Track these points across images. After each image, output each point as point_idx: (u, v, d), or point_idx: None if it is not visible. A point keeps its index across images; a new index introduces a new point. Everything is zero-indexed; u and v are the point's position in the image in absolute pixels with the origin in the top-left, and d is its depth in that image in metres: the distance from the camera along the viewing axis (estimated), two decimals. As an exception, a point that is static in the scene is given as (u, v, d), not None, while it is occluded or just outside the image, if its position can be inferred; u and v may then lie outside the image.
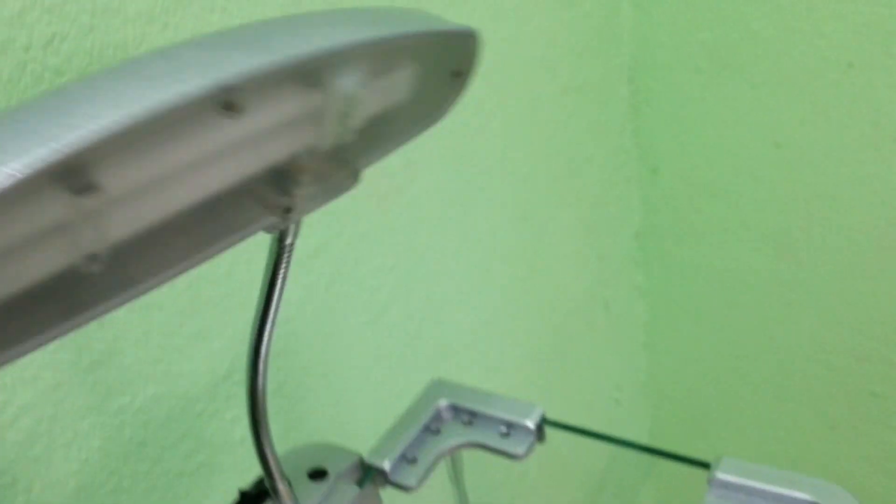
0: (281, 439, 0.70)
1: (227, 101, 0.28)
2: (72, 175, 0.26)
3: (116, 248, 0.30)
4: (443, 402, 0.53)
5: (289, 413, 0.71)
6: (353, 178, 0.39)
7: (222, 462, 0.64)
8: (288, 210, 0.36)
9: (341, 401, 0.76)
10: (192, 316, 0.59)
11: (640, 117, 1.15)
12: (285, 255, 0.42)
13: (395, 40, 0.34)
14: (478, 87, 0.83)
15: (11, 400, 0.48)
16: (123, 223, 0.30)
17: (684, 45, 1.07)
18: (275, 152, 0.35)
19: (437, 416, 0.52)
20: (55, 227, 0.26)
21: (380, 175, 0.73)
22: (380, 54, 0.37)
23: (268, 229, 0.36)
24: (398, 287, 0.79)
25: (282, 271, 0.44)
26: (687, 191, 1.18)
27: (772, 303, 1.20)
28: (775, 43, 1.01)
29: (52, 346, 0.50)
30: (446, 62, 0.41)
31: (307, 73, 0.34)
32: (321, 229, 0.69)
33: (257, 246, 0.62)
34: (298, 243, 0.67)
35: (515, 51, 0.88)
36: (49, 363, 0.50)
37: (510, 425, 0.50)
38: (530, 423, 0.50)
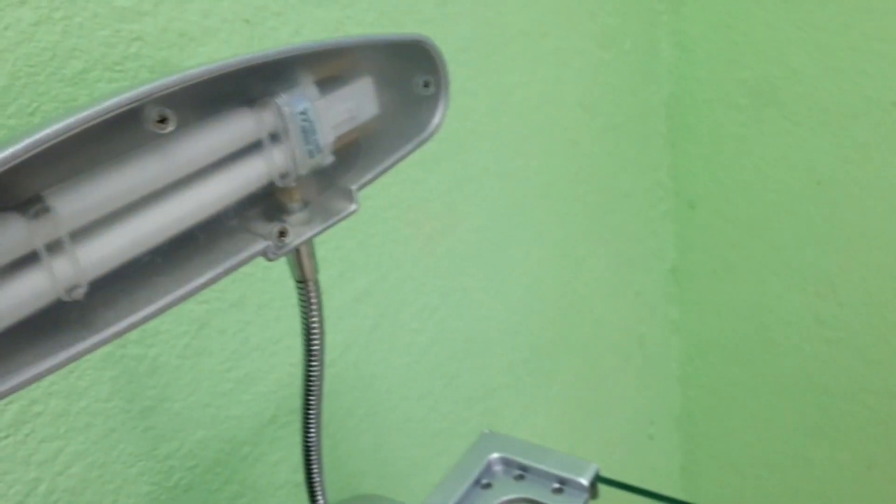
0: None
1: (158, 115, 0.30)
2: (25, 201, 0.28)
3: (107, 280, 0.31)
4: (494, 455, 0.52)
5: (332, 453, 0.71)
6: (347, 199, 0.39)
7: (265, 505, 0.64)
8: (282, 234, 0.36)
9: (383, 441, 0.76)
10: (239, 361, 0.59)
11: (677, 153, 1.15)
12: (311, 295, 0.43)
13: (313, 49, 0.35)
14: (518, 130, 0.84)
15: (65, 448, 0.49)
16: (98, 253, 0.31)
17: (724, 83, 1.07)
18: (247, 178, 0.36)
19: (488, 470, 0.52)
20: (24, 256, 0.28)
21: (424, 217, 0.74)
22: (325, 68, 0.38)
23: (266, 256, 0.36)
24: (440, 328, 0.79)
25: (314, 317, 0.44)
26: (724, 227, 1.17)
27: (809, 341, 1.19)
28: (817, 81, 1.00)
29: (104, 394, 0.51)
30: (412, 73, 0.41)
31: (253, 93, 0.35)
32: (366, 273, 0.69)
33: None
34: (343, 287, 0.67)
35: (556, 92, 0.88)
36: (101, 410, 0.51)
37: (563, 481, 0.50)
38: (584, 480, 0.49)
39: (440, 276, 0.78)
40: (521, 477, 0.52)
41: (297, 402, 0.64)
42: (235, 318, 0.58)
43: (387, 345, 0.74)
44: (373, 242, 0.69)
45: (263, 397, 0.62)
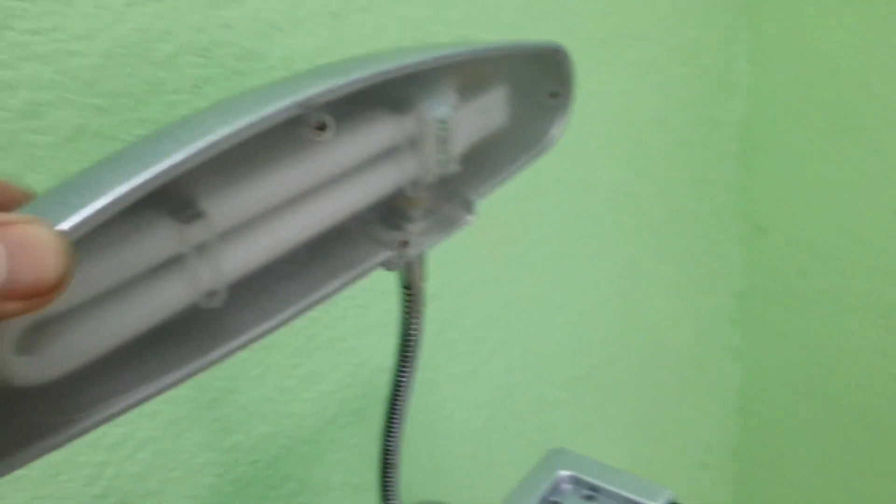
0: (377, 485, 0.70)
1: (317, 122, 0.28)
2: (177, 203, 0.27)
3: (235, 287, 0.30)
4: (563, 473, 0.51)
5: (387, 459, 0.70)
6: (466, 210, 0.39)
7: (322, 505, 0.64)
8: (404, 244, 0.35)
9: (438, 449, 0.75)
10: (305, 358, 0.59)
11: (749, 174, 1.12)
12: (416, 302, 0.42)
13: (467, 55, 0.34)
14: (591, 141, 0.82)
15: (133, 433, 0.49)
16: (237, 258, 0.30)
17: (802, 104, 1.04)
18: (380, 185, 0.35)
19: (556, 488, 0.50)
20: (171, 259, 0.27)
21: (493, 224, 0.73)
22: (465, 75, 0.37)
23: (387, 266, 0.36)
24: (502, 338, 0.78)
25: (415, 324, 0.43)
26: (794, 253, 1.14)
27: (875, 376, 1.15)
28: (901, 108, 0.97)
29: (173, 382, 0.50)
30: (540, 83, 0.40)
31: (396, 98, 0.34)
32: (434, 277, 0.68)
33: (373, 292, 0.62)
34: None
35: (630, 105, 0.86)
36: (170, 398, 0.50)
37: (635, 505, 0.48)
38: (657, 506, 0.47)
39: (505, 285, 0.77)
40: (590, 497, 0.50)
41: (358, 404, 0.64)
42: (307, 312, 0.58)
43: (449, 351, 0.73)
44: (440, 247, 0.68)
45: (326, 396, 0.61)
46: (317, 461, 0.62)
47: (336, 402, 0.62)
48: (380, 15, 0.56)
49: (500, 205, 0.73)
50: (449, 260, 0.69)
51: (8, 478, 0.43)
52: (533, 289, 0.81)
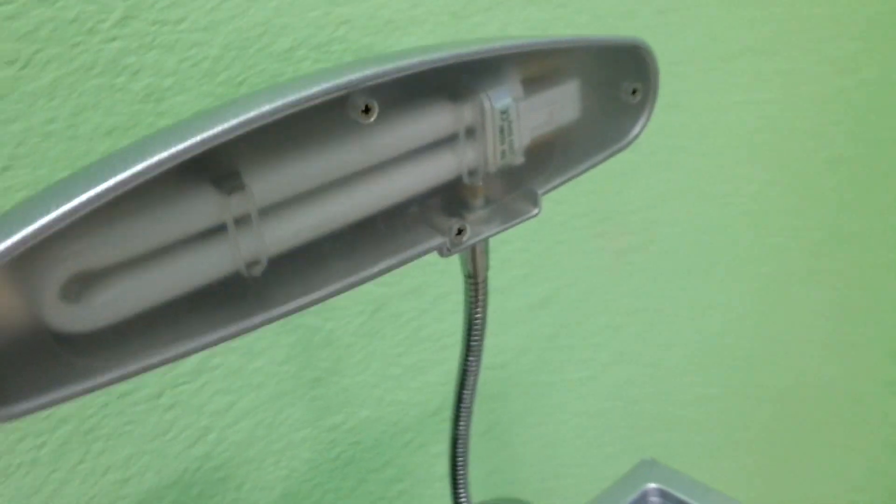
0: (482, 482, 0.70)
1: (362, 105, 0.29)
2: (222, 175, 0.29)
3: (284, 259, 0.31)
4: (651, 486, 0.49)
5: (494, 456, 0.71)
6: (531, 202, 0.38)
7: (422, 494, 0.65)
8: (459, 231, 0.35)
9: (548, 453, 0.75)
10: (411, 348, 0.60)
11: (918, 198, 1.04)
12: (479, 291, 0.42)
13: (526, 48, 0.34)
14: (730, 152, 0.79)
15: (236, 403, 0.52)
16: (281, 232, 0.31)
17: (982, 125, 0.96)
18: (435, 172, 0.35)
19: (643, 500, 0.49)
20: (213, 227, 0.29)
21: (617, 231, 0.71)
22: (533, 67, 0.36)
23: (440, 252, 0.36)
24: (623, 348, 0.77)
25: (478, 313, 0.43)
26: (966, 285, 1.05)
27: None
28: None
29: (279, 358, 0.53)
30: (618, 79, 0.39)
31: (457, 87, 0.34)
32: (552, 279, 0.68)
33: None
34: (525, 291, 0.67)
35: (780, 117, 0.82)
36: (275, 373, 0.53)
37: (726, 528, 0.46)
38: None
39: (628, 294, 0.75)
40: (678, 515, 0.49)
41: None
42: (411, 306, 0.59)
43: (564, 356, 0.72)
44: (560, 249, 0.68)
45: (431, 388, 0.62)
46: (419, 451, 0.64)
47: (441, 394, 0.63)
48: (503, 16, 0.57)
49: (627, 211, 0.72)
50: (568, 263, 0.69)
51: (117, 430, 0.46)
52: (659, 300, 0.79)
